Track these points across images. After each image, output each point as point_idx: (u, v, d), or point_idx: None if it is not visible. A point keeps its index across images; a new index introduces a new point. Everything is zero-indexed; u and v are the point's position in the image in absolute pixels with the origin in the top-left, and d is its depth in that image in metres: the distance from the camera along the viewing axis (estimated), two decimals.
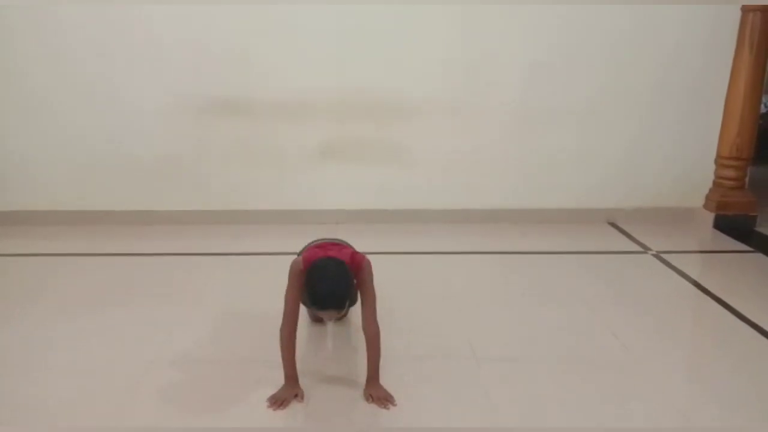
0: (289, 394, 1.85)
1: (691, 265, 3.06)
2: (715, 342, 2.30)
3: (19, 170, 3.55)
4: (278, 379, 1.88)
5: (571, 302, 2.59)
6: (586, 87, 3.48)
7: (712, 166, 3.64)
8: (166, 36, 3.31)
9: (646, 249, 3.27)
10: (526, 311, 2.52)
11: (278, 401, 1.82)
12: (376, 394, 1.85)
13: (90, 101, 3.42)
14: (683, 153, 3.63)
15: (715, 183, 3.65)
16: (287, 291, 1.87)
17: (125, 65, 3.36)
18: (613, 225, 3.68)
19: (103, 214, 3.61)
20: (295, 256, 1.96)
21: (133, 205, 3.62)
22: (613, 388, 1.95)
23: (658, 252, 3.21)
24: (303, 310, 2.17)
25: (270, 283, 2.62)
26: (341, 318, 2.22)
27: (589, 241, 3.40)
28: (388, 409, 1.81)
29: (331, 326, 2.31)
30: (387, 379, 1.90)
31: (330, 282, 1.74)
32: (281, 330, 1.87)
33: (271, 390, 1.86)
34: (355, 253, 1.92)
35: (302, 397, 1.86)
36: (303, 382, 1.90)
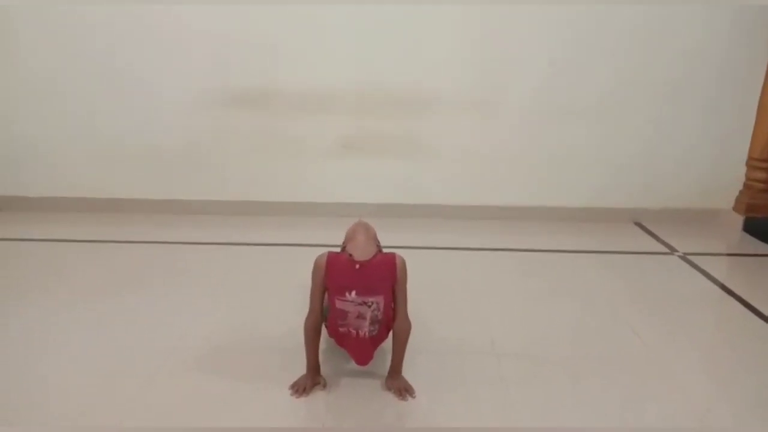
0: (310, 381, 1.86)
1: (718, 268, 3.01)
2: (739, 345, 2.26)
3: (39, 158, 3.62)
4: (297, 368, 1.90)
5: (594, 301, 2.57)
6: (611, 83, 3.43)
7: (743, 168, 3.57)
8: (190, 27, 3.34)
9: (672, 250, 3.22)
10: (548, 309, 2.50)
11: (300, 388, 1.84)
12: (397, 385, 1.86)
13: (112, 90, 3.48)
14: (713, 153, 3.57)
15: (745, 185, 3.58)
16: (312, 287, 1.86)
17: (148, 55, 3.40)
18: (639, 225, 3.64)
19: (122, 202, 3.68)
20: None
21: (152, 194, 3.68)
22: (632, 388, 1.93)
23: (684, 254, 3.16)
24: None
25: (289, 275, 2.66)
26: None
27: (614, 241, 3.36)
28: (406, 400, 1.82)
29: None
30: (407, 372, 1.91)
31: None
32: (305, 322, 1.88)
33: (292, 379, 1.88)
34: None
35: (324, 385, 1.87)
36: (324, 371, 1.92)
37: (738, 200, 3.60)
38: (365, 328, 1.76)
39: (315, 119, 3.52)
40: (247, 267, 2.91)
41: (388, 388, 1.87)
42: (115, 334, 2.22)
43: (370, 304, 1.73)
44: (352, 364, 2.01)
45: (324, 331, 1.92)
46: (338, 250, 1.94)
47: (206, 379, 1.93)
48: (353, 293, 1.72)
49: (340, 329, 1.79)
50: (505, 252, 3.19)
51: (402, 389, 1.85)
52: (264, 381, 1.91)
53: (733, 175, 3.61)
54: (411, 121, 3.52)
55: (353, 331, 1.77)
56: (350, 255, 1.75)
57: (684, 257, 3.11)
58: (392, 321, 1.86)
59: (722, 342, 2.36)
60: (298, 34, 3.35)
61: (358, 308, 1.74)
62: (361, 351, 1.83)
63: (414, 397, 1.84)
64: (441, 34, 3.35)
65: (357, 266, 1.73)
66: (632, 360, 2.11)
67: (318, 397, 1.84)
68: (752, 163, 3.51)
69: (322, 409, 1.78)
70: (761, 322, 2.41)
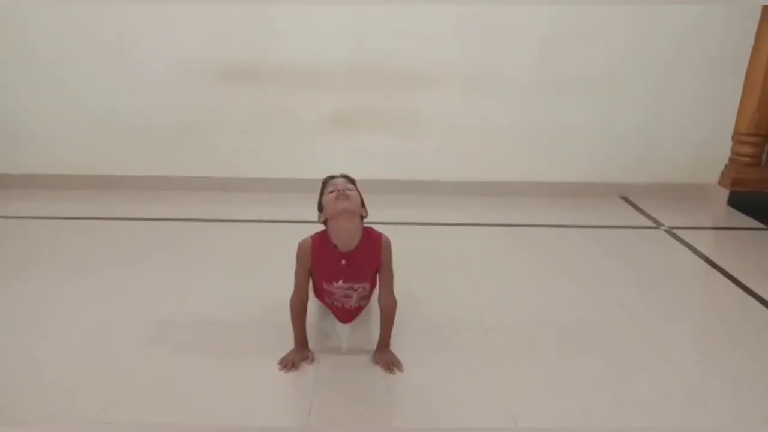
0: (298, 356, 1.87)
1: (704, 242, 3.03)
2: (724, 318, 2.29)
3: (31, 134, 3.55)
4: (287, 343, 1.90)
5: (581, 276, 2.59)
6: (599, 59, 3.41)
7: (729, 142, 3.58)
8: (181, 1, 3.25)
9: (658, 224, 3.24)
10: (536, 284, 2.52)
11: (288, 363, 1.84)
12: (385, 359, 1.87)
13: (102, 65, 3.40)
14: (699, 128, 3.57)
15: (731, 159, 3.60)
16: (296, 269, 1.86)
17: (139, 30, 3.32)
18: (626, 199, 3.65)
19: (114, 178, 3.63)
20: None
21: (144, 170, 3.63)
22: (619, 361, 1.95)
23: (670, 227, 3.18)
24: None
25: (280, 250, 2.64)
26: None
27: (600, 215, 3.37)
28: (394, 373, 1.83)
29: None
30: (395, 346, 1.92)
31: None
32: (291, 301, 1.87)
33: (281, 354, 1.88)
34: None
35: (312, 359, 1.88)
36: (312, 346, 1.92)
37: (723, 174, 3.62)
38: (352, 303, 1.86)
39: (308, 94, 3.46)
40: (238, 243, 2.89)
41: (376, 362, 1.88)
42: (106, 311, 2.20)
43: (356, 288, 1.84)
44: (341, 339, 2.02)
45: (311, 307, 1.92)
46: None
47: (195, 355, 1.92)
48: (340, 281, 1.82)
49: (327, 300, 1.91)
50: (493, 227, 3.19)
51: (390, 363, 1.85)
52: (253, 356, 1.91)
53: (720, 150, 3.62)
54: (404, 97, 3.48)
55: (339, 304, 1.89)
56: (335, 246, 1.77)
57: (669, 231, 3.14)
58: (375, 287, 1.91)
59: (707, 314, 2.39)
60: (291, 7, 3.28)
61: (345, 291, 1.84)
62: (347, 316, 1.96)
63: (402, 371, 1.84)
64: (436, 8, 3.29)
65: (343, 262, 1.78)
66: (619, 333, 2.12)
67: (306, 371, 1.84)
68: (738, 137, 3.53)
69: (310, 384, 1.78)
70: (745, 294, 2.44)
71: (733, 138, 3.56)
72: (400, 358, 1.88)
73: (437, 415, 1.67)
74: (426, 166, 3.64)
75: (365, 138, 3.56)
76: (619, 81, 3.46)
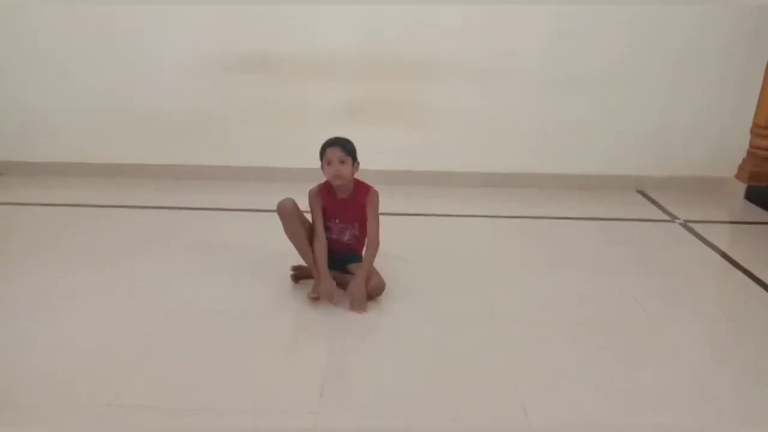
0: (324, 285, 2.12)
1: (720, 236, 3.01)
2: (738, 312, 2.27)
3: (43, 123, 3.62)
4: (299, 329, 1.93)
5: (595, 269, 2.57)
6: (614, 50, 3.38)
7: (745, 135, 3.54)
8: None
9: (673, 218, 3.22)
10: (549, 276, 2.51)
11: (324, 293, 2.11)
12: (357, 293, 2.09)
13: (116, 55, 3.45)
14: (717, 121, 3.53)
15: (749, 153, 3.56)
16: (312, 214, 2.22)
17: (152, 20, 3.36)
18: (642, 193, 3.62)
19: (127, 167, 3.68)
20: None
21: (156, 159, 3.68)
22: (631, 354, 1.94)
23: (686, 221, 3.15)
24: None
25: None
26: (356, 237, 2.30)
27: (616, 209, 3.35)
28: (359, 314, 2.06)
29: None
30: (405, 340, 1.93)
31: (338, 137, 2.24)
32: (313, 243, 2.18)
33: (293, 340, 1.89)
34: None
35: (331, 297, 2.12)
36: (325, 332, 1.96)
37: (741, 168, 3.58)
38: (345, 238, 2.26)
39: (321, 85, 3.48)
40: (251, 232, 2.92)
41: (349, 295, 2.11)
42: (117, 299, 2.23)
43: (348, 227, 2.24)
44: (353, 325, 2.03)
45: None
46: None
47: (207, 341, 1.95)
48: (337, 220, 2.23)
49: (328, 235, 2.24)
50: (508, 219, 3.18)
51: (357, 304, 2.09)
52: (265, 342, 1.93)
53: (738, 144, 3.58)
54: (416, 87, 3.49)
55: (335, 237, 2.26)
56: (335, 192, 2.20)
57: (685, 225, 3.11)
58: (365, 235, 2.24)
59: (722, 309, 2.38)
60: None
61: (341, 228, 2.24)
62: (339, 247, 2.27)
63: (362, 314, 2.06)
64: (448, 0, 3.28)
65: (338, 222, 2.24)
66: (631, 325, 2.12)
67: (318, 356, 1.85)
68: (757, 131, 3.48)
69: (322, 368, 1.79)
70: (761, 289, 2.42)
71: (751, 131, 3.51)
72: (411, 348, 1.89)
73: (447, 405, 1.68)
74: (438, 158, 3.64)
75: (377, 129, 3.56)
76: (633, 73, 3.43)
